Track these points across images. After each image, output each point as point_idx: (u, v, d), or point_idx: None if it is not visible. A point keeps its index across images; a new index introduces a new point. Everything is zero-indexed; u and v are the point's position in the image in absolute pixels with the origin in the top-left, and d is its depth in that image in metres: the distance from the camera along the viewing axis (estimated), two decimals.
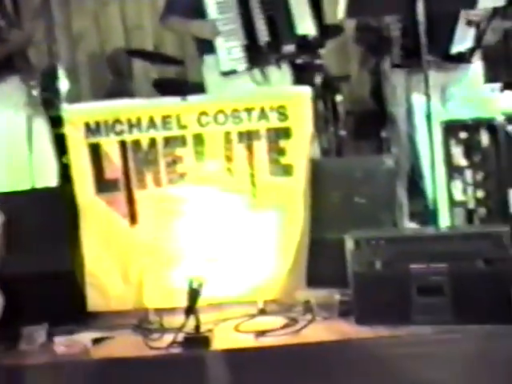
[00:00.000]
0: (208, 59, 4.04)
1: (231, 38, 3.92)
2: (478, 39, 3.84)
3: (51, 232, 3.35)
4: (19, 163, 4.04)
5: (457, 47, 3.85)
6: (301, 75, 4.59)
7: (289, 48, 3.97)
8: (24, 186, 3.93)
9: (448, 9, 3.42)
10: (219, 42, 3.93)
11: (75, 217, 3.43)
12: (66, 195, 3.46)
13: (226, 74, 3.94)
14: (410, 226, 4.02)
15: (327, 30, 4.72)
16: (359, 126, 5.30)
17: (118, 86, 5.59)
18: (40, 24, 4.28)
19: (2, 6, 4.08)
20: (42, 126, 4.14)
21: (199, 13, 3.93)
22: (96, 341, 3.09)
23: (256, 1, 3.91)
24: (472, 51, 3.88)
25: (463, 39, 3.84)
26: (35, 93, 4.06)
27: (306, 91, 3.45)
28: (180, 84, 4.39)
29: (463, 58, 3.87)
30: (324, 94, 4.79)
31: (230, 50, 3.92)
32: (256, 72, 4.00)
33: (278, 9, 3.93)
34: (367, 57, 5.13)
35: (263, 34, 3.93)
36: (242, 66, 3.95)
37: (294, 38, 3.94)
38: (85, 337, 3.09)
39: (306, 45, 3.98)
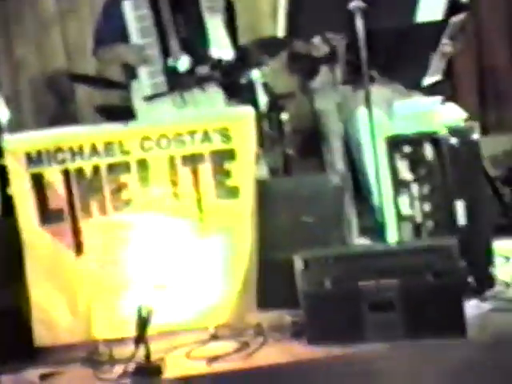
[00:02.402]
0: (134, 84, 4.05)
1: (151, 63, 3.93)
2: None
3: None
4: None
5: (429, 79, 3.91)
6: (244, 95, 4.60)
7: (202, 69, 3.99)
8: None
9: (386, 24, 3.44)
10: (140, 67, 3.94)
11: (20, 250, 3.35)
12: (10, 228, 3.38)
13: (147, 98, 3.95)
14: (360, 242, 4.03)
15: (270, 48, 4.76)
16: (306, 143, 5.30)
17: (61, 110, 5.53)
18: None
19: None
20: None
21: (125, 40, 3.95)
22: (44, 377, 3.03)
23: (171, 24, 3.94)
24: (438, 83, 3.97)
25: (436, 72, 3.92)
26: None
27: (249, 112, 3.44)
28: (123, 109, 4.36)
29: (432, 91, 3.93)
30: (269, 112, 4.78)
31: (150, 74, 3.93)
32: (176, 95, 4.01)
33: (192, 30, 3.96)
34: (301, 79, 5.18)
35: (178, 58, 3.95)
36: (162, 89, 3.95)
37: (207, 60, 3.96)
38: (33, 373, 3.04)
39: (224, 66, 4.02)
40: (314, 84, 4.26)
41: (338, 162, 4.25)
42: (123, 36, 3.95)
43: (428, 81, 3.96)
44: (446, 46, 3.92)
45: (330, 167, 4.32)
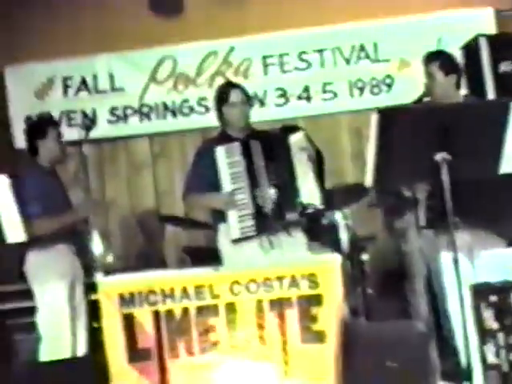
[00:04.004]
0: (221, 227, 4.19)
1: (241, 207, 4.07)
2: None
3: None
4: (61, 331, 4.13)
5: None
6: (325, 236, 4.69)
7: (292, 216, 4.11)
8: (65, 353, 3.99)
9: (470, 175, 3.51)
10: (230, 211, 4.09)
11: None
12: (97, 363, 3.47)
13: (236, 241, 4.07)
14: None
15: (352, 194, 4.88)
16: (386, 284, 5.33)
17: (149, 248, 5.71)
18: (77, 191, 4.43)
19: None
20: (81, 294, 4.26)
21: (215, 187, 4.12)
22: None
23: (263, 170, 4.09)
24: None
25: None
26: (79, 261, 4.21)
27: (336, 259, 3.53)
28: (209, 251, 4.51)
29: None
30: (351, 253, 4.85)
31: (240, 218, 4.07)
32: (264, 239, 4.11)
33: (283, 178, 4.10)
34: (388, 218, 5.25)
35: (269, 203, 4.08)
36: (250, 233, 4.07)
37: (297, 206, 4.08)
38: None
39: (311, 213, 4.12)
40: (401, 223, 4.30)
41: (422, 304, 4.24)
42: (214, 182, 4.13)
43: None
44: None
45: (412, 309, 4.31)
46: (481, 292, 3.40)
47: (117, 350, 3.48)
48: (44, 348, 4.14)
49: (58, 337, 4.13)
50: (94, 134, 4.41)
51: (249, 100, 4.35)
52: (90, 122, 5.14)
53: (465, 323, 3.43)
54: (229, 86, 4.43)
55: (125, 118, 5.93)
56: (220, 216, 4.18)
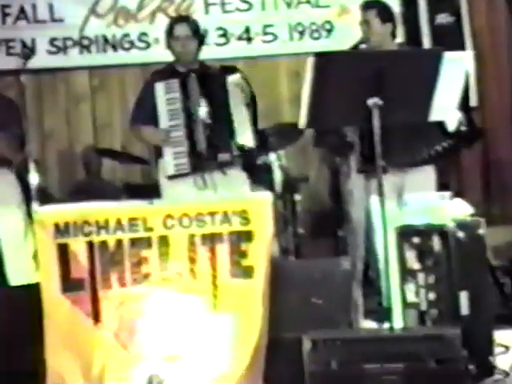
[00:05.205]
0: (161, 163, 4.25)
1: (177, 144, 4.14)
2: None
3: (14, 330, 3.43)
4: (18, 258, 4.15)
5: None
6: (260, 176, 4.79)
7: (224, 156, 4.18)
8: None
9: (401, 121, 3.63)
10: (166, 147, 4.14)
11: (41, 315, 3.48)
12: (32, 294, 3.51)
13: (170, 177, 4.13)
14: (364, 324, 4.13)
15: (287, 135, 4.98)
16: (317, 225, 5.47)
17: (86, 181, 5.74)
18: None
19: None
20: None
21: (157, 121, 4.17)
22: None
23: (198, 110, 4.16)
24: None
25: None
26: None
27: (267, 197, 3.61)
28: (148, 187, 4.57)
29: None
30: (283, 194, 4.97)
31: (175, 155, 4.14)
32: (198, 177, 4.19)
33: (218, 117, 4.16)
34: (328, 157, 5.36)
35: (202, 142, 4.15)
36: (185, 171, 4.14)
37: (230, 147, 4.16)
38: None
39: (245, 153, 4.22)
40: (343, 165, 4.41)
41: (359, 244, 4.35)
42: (157, 116, 4.17)
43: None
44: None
45: (349, 249, 4.44)
46: (404, 234, 3.55)
47: (50, 280, 3.51)
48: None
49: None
50: (33, 64, 4.34)
51: (197, 35, 4.36)
52: (28, 51, 5.08)
53: (387, 263, 3.59)
54: (177, 19, 4.48)
55: (64, 49, 5.88)
56: (160, 151, 4.23)
